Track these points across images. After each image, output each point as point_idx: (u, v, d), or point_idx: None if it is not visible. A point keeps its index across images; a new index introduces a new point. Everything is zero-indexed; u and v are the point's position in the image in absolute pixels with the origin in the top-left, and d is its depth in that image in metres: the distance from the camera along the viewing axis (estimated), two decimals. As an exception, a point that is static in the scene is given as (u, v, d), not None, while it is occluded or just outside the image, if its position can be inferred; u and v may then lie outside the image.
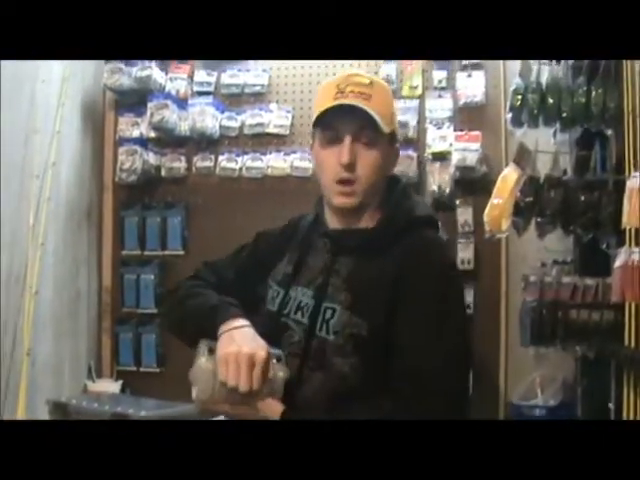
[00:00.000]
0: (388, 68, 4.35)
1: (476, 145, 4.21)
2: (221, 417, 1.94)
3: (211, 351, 1.80)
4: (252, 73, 4.60)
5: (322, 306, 1.89)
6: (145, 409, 3.63)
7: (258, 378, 1.74)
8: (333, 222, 2.00)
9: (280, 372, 1.82)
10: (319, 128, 1.94)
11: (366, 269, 1.88)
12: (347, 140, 1.88)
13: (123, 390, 4.51)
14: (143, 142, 4.63)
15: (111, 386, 4.47)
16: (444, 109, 4.33)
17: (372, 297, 1.84)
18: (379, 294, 1.83)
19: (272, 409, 1.81)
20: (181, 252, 4.66)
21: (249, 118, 4.58)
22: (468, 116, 4.34)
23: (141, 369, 4.63)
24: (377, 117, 1.86)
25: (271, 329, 1.93)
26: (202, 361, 1.79)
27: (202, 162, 4.64)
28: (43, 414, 3.75)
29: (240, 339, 1.79)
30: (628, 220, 3.20)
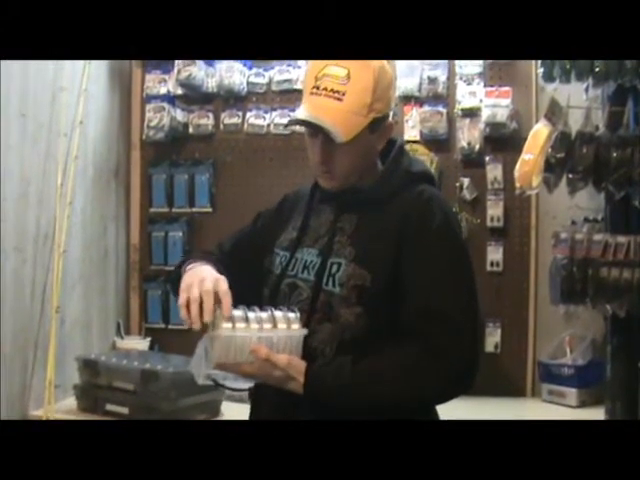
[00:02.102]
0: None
1: (506, 101, 4.17)
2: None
3: (230, 318, 1.83)
4: (280, 29, 4.55)
5: (328, 262, 1.96)
6: (174, 366, 3.64)
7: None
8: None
9: (297, 331, 1.87)
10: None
11: (369, 224, 1.97)
12: (319, 141, 1.95)
13: (152, 347, 4.53)
14: (171, 99, 4.60)
15: (139, 343, 4.50)
16: (474, 64, 4.27)
17: (375, 249, 1.93)
18: (382, 246, 1.92)
19: (295, 367, 1.86)
20: (209, 209, 4.66)
21: (277, 74, 4.55)
22: (498, 72, 4.29)
23: (169, 326, 4.64)
24: (339, 128, 1.89)
25: (280, 291, 2.03)
26: (224, 327, 1.82)
27: (230, 119, 4.62)
28: (72, 371, 3.79)
29: (196, 273, 1.93)
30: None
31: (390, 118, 2.04)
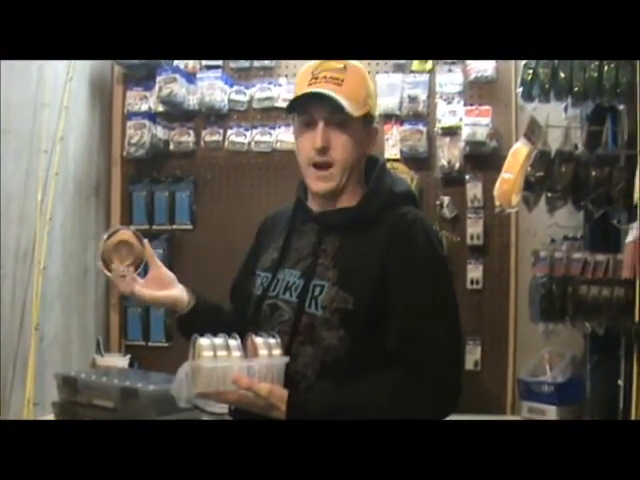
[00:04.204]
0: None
1: (486, 120, 4.20)
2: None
3: (213, 347, 1.82)
4: (261, 47, 4.57)
5: (311, 284, 1.95)
6: (154, 383, 3.61)
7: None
8: (316, 205, 2.06)
9: (278, 358, 1.85)
10: (295, 113, 2.02)
11: (352, 246, 1.96)
12: (320, 125, 1.94)
13: (131, 365, 4.51)
14: (151, 116, 4.60)
15: (119, 361, 4.47)
16: (454, 83, 4.31)
17: (358, 272, 1.92)
18: (365, 269, 1.92)
19: (277, 395, 1.84)
20: (189, 226, 4.64)
21: (258, 92, 4.56)
22: (478, 90, 4.33)
23: (149, 344, 4.63)
24: (345, 102, 1.92)
25: (261, 312, 2.03)
26: (205, 356, 1.81)
27: (211, 136, 4.63)
28: (51, 388, 3.76)
29: None
30: (640, 196, 3.18)
31: (374, 124, 2.07)
